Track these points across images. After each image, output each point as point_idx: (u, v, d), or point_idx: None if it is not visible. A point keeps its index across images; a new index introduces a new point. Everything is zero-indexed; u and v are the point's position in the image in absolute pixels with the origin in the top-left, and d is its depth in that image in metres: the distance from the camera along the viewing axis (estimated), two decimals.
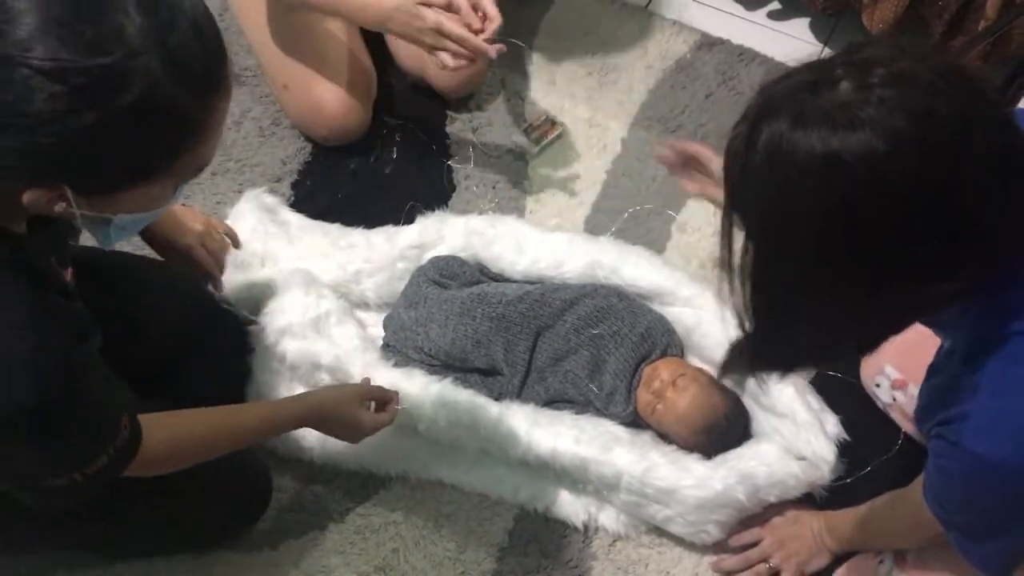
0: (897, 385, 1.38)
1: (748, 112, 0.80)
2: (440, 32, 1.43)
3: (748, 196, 0.82)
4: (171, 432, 1.10)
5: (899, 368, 1.37)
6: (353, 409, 1.28)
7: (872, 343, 0.88)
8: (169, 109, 0.79)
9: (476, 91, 1.86)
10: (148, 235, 1.34)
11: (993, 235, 0.76)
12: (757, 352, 0.91)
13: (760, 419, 1.43)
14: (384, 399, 1.34)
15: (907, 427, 1.43)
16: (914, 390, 1.33)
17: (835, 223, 0.75)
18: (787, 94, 0.76)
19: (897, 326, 0.85)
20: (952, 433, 0.88)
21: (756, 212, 0.81)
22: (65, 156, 0.78)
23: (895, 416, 1.43)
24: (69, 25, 0.74)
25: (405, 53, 1.81)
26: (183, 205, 1.58)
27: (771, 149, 0.76)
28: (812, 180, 0.74)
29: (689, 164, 1.31)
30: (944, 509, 0.97)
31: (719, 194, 1.23)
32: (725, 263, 0.86)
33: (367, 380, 1.37)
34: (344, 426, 1.28)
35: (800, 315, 0.84)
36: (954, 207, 0.74)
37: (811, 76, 0.76)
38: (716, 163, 1.25)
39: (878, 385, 1.40)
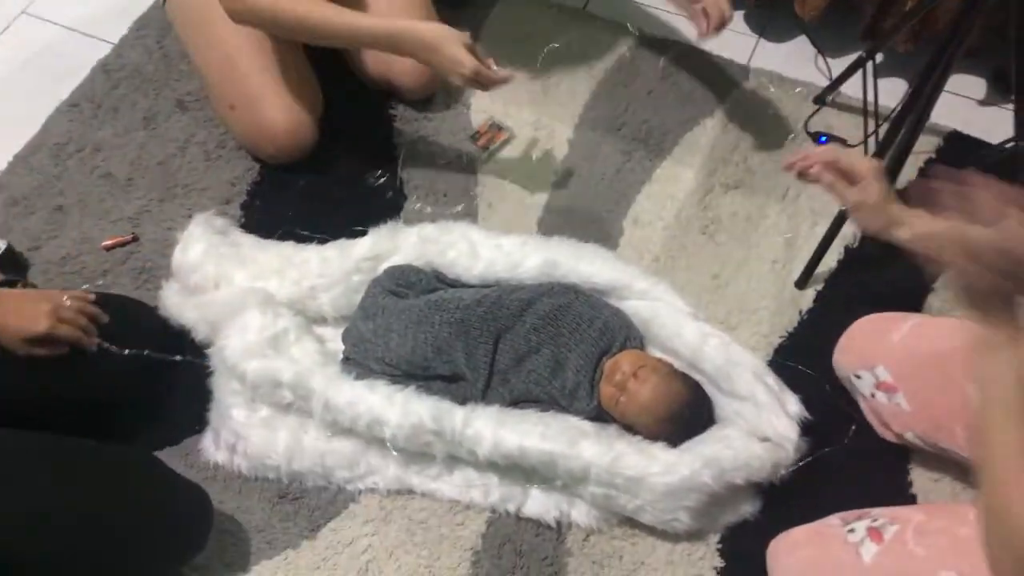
0: (884, 388, 1.36)
1: None
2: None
3: None
4: None
5: (894, 374, 1.35)
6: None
7: None
8: None
9: (436, 92, 1.89)
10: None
11: None
12: None
13: (722, 404, 1.45)
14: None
15: (874, 421, 1.42)
16: (900, 399, 1.34)
17: None
18: None
19: None
20: None
21: None
22: None
23: (865, 408, 1.43)
24: None
25: (372, 58, 1.83)
26: (24, 288, 1.50)
27: None
28: None
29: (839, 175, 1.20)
30: None
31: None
32: None
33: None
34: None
35: None
36: None
37: None
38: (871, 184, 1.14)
39: (858, 376, 1.39)
